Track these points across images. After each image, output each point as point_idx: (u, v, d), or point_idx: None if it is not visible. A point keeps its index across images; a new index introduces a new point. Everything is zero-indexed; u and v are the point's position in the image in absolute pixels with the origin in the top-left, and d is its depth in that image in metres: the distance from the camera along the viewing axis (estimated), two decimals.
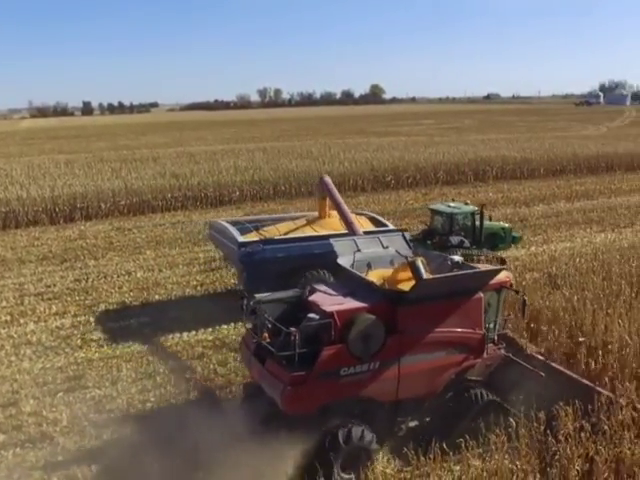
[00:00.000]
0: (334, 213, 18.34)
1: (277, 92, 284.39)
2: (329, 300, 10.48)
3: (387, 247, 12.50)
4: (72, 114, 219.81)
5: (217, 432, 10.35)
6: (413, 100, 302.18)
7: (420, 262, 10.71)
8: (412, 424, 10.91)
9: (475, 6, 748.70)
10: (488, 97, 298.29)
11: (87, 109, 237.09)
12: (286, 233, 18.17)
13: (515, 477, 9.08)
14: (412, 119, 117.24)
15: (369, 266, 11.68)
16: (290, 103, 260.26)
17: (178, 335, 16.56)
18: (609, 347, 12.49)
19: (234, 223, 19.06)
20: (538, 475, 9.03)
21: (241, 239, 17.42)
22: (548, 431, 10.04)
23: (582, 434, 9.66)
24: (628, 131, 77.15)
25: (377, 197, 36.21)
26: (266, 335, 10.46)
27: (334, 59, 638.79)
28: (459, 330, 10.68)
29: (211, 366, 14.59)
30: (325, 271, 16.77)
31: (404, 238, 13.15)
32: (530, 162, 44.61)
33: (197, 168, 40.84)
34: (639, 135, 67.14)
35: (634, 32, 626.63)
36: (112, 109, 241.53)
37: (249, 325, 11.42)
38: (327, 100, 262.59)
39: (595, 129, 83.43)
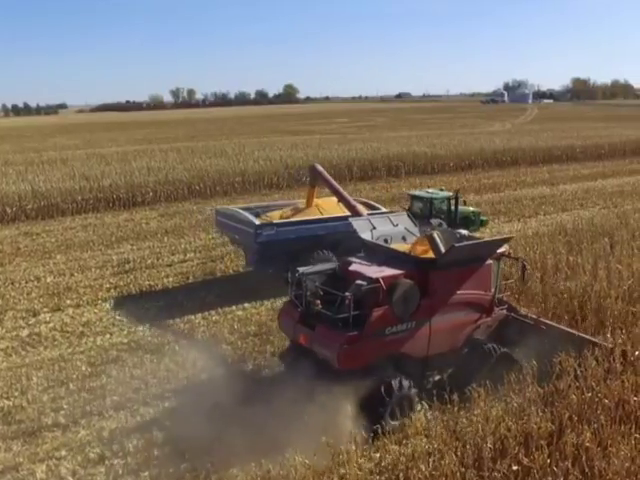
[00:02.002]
0: (318, 201, 20.08)
1: (190, 92, 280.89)
2: (370, 269, 11.75)
3: (397, 225, 13.77)
4: None
5: (264, 397, 11.37)
6: (327, 99, 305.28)
7: (437, 235, 11.99)
8: (436, 378, 12.21)
9: (386, 8, 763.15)
10: (400, 96, 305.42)
11: None
12: (288, 217, 19.38)
13: (432, 459, 9.33)
14: (326, 118, 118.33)
15: (386, 241, 13.10)
16: (204, 103, 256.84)
17: (91, 340, 16.07)
18: None
19: (244, 209, 20.15)
20: (454, 455, 9.30)
21: (258, 222, 18.52)
22: (462, 412, 10.44)
23: (493, 411, 10.08)
24: (531, 127, 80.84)
25: (292, 194, 36.22)
26: (318, 302, 11.56)
27: (247, 59, 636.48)
28: (475, 292, 12.28)
29: (126, 369, 14.20)
30: (328, 251, 18.22)
31: (409, 217, 14.51)
32: (440, 157, 46.01)
33: (108, 169, 39.70)
34: (541, 131, 70.43)
35: (534, 34, 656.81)
36: (17, 111, 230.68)
37: (293, 296, 12.41)
38: (241, 100, 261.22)
39: (501, 125, 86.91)
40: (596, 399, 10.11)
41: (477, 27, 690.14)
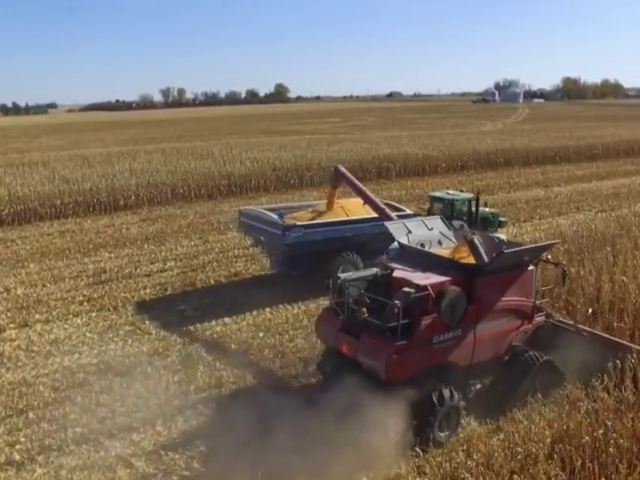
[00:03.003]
0: (342, 202, 19.86)
1: (181, 92, 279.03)
2: (415, 275, 11.36)
3: (432, 229, 13.42)
4: None
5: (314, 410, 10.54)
6: (318, 99, 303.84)
7: (477, 241, 11.80)
8: (478, 387, 12.04)
9: (377, 7, 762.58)
10: (391, 95, 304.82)
11: None
12: (313, 219, 18.95)
13: None
14: (317, 117, 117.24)
15: (423, 246, 12.82)
16: (194, 103, 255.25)
17: (58, 360, 14.83)
18: None
19: (269, 210, 19.85)
20: None
21: (286, 223, 18.24)
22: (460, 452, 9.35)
23: (495, 454, 8.99)
24: (522, 127, 79.92)
25: (280, 197, 35.14)
26: (364, 310, 11.09)
27: (238, 58, 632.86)
28: (518, 299, 12.03)
29: (93, 395, 13.00)
30: (354, 253, 18.19)
31: (443, 220, 14.03)
32: (432, 159, 44.91)
33: (90, 172, 38.28)
34: (533, 131, 69.46)
35: (524, 33, 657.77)
36: (6, 110, 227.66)
37: (334, 303, 12.02)
38: (232, 100, 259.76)
39: (492, 125, 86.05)
40: (611, 440, 9.02)
41: (468, 27, 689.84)
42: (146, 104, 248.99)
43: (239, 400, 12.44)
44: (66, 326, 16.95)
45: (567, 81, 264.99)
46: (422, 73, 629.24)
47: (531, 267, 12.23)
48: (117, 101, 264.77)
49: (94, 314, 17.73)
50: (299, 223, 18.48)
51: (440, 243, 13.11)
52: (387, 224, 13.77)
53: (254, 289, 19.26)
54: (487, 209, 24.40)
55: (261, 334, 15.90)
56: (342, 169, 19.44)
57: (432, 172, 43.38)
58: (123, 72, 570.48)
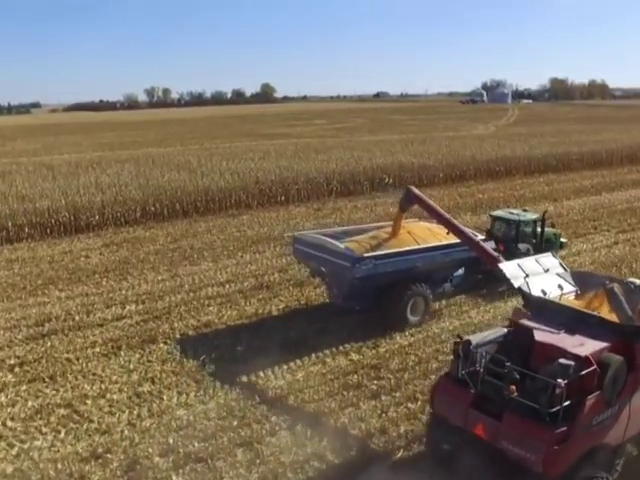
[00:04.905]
0: (410, 227, 17.98)
1: (166, 92, 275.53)
2: (565, 341, 9.56)
3: (547, 270, 11.84)
4: None
5: None
6: (304, 98, 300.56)
7: (618, 290, 10.22)
8: (621, 464, 10.22)
9: (363, 8, 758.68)
10: (378, 95, 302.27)
11: None
12: (377, 246, 16.95)
13: None
14: (304, 119, 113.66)
15: (544, 293, 10.99)
16: (180, 103, 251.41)
17: None
18: None
19: (328, 236, 17.78)
20: None
21: (357, 254, 16.21)
22: None
23: None
24: (516, 130, 76.57)
25: (263, 215, 31.56)
26: (514, 389, 9.08)
27: (224, 58, 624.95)
28: None
29: None
30: (423, 284, 16.88)
31: (555, 258, 12.38)
32: (428, 168, 41.42)
33: (52, 186, 34.02)
34: (528, 135, 65.92)
35: (512, 33, 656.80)
36: None
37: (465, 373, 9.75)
38: (218, 100, 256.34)
39: (484, 128, 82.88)
40: None
41: (455, 27, 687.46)
42: (130, 104, 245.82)
43: None
44: None
45: (555, 81, 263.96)
46: (409, 73, 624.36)
47: None
48: (101, 101, 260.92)
49: (24, 388, 13.89)
50: (369, 254, 16.27)
51: (561, 288, 11.19)
52: (502, 267, 11.83)
53: (227, 347, 15.68)
54: (553, 230, 22.43)
55: (235, 422, 12.22)
56: (415, 191, 16.93)
57: (429, 183, 39.86)
58: (108, 71, 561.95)
